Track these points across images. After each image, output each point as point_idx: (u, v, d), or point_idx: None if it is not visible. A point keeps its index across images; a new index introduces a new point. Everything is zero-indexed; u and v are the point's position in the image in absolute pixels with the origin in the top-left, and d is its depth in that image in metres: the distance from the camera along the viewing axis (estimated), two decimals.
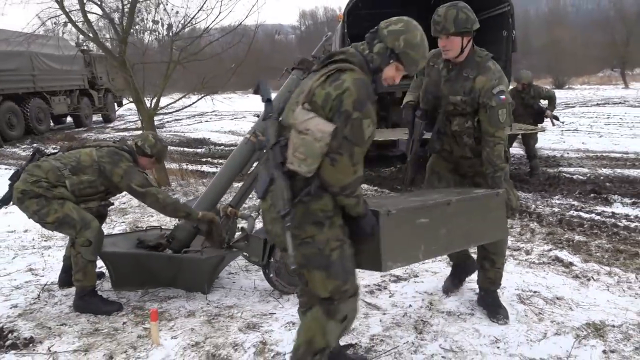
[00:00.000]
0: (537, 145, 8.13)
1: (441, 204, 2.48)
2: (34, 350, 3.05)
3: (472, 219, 2.62)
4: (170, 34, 7.72)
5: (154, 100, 7.51)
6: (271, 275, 3.61)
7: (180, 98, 7.76)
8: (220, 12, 7.03)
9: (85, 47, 20.28)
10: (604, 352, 2.83)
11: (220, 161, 10.43)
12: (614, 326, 3.10)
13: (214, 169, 9.44)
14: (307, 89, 2.13)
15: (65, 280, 4.00)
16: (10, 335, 3.20)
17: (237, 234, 3.86)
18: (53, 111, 17.32)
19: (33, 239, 5.30)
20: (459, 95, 2.97)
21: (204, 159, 10.81)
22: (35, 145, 11.66)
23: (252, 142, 4.02)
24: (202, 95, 7.93)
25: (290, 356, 2.38)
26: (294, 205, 2.08)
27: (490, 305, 3.30)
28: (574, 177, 7.67)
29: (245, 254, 3.74)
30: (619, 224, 5.26)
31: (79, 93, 18.93)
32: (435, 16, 2.87)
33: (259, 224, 4.14)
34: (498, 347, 2.91)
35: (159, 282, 3.86)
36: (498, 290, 3.39)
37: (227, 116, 20.03)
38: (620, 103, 20.16)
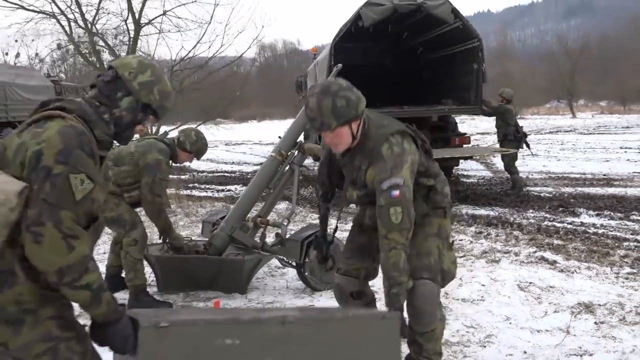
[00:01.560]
0: (502, 167, 9.13)
1: (268, 320, 1.78)
2: None
3: (334, 349, 1.84)
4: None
5: (154, 128, 7.96)
6: (306, 273, 4.11)
7: (179, 126, 8.23)
8: (222, 44, 7.59)
9: (55, 78, 20.39)
10: (596, 323, 3.46)
11: (207, 186, 10.87)
12: (600, 305, 3.74)
13: (204, 193, 9.86)
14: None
15: (109, 287, 4.35)
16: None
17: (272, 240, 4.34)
18: None
19: None
20: (355, 190, 2.49)
21: (190, 185, 11.17)
22: None
23: (277, 160, 4.55)
24: (200, 122, 8.43)
25: None
26: None
27: None
28: (541, 194, 8.50)
29: (280, 256, 4.23)
30: (589, 230, 6.01)
31: None
32: (308, 111, 2.28)
33: (290, 229, 4.62)
34: (510, 323, 3.50)
35: (199, 284, 4.27)
36: (498, 284, 3.97)
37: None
38: (570, 131, 21.73)
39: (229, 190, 10.20)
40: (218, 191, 10.18)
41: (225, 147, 20.32)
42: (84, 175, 1.57)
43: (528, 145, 8.85)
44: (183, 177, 12.58)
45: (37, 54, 19.10)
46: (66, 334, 1.60)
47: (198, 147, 4.23)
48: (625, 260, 4.81)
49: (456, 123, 10.10)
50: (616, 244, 5.38)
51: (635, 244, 5.36)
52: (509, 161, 8.66)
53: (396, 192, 2.23)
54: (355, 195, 2.49)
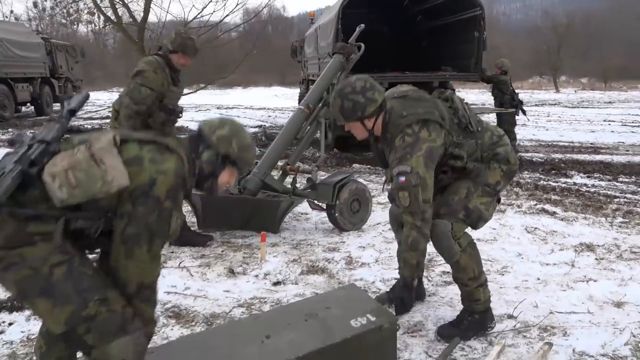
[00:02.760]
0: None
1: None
2: (163, 266, 3.79)
3: None
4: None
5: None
6: (336, 214, 4.50)
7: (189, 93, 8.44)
8: (237, 5, 7.78)
9: (45, 36, 20.16)
10: (596, 259, 3.94)
11: None
12: (599, 245, 4.23)
13: None
14: (123, 133, 1.83)
15: None
16: None
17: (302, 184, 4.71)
18: (17, 98, 17.19)
19: None
20: (390, 171, 2.61)
21: None
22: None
23: (305, 113, 4.89)
24: (203, 85, 8.64)
25: None
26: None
27: (451, 324, 2.83)
28: (534, 159, 9.00)
29: (311, 199, 4.61)
30: (582, 189, 6.51)
31: (41, 81, 18.81)
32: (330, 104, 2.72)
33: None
34: (522, 258, 3.96)
35: (234, 224, 4.63)
36: (507, 228, 4.40)
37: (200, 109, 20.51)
38: (555, 104, 22.31)
39: None
40: None
41: (217, 110, 20.45)
42: (179, 214, 1.83)
43: (524, 112, 9.28)
44: (183, 136, 12.78)
45: (12, 12, 18.76)
46: (77, 252, 1.75)
47: (179, 42, 3.87)
48: (617, 212, 5.32)
49: (454, 89, 10.48)
50: (608, 200, 5.88)
51: (625, 200, 5.88)
52: (509, 127, 9.06)
53: (402, 178, 2.45)
54: (389, 175, 2.65)
